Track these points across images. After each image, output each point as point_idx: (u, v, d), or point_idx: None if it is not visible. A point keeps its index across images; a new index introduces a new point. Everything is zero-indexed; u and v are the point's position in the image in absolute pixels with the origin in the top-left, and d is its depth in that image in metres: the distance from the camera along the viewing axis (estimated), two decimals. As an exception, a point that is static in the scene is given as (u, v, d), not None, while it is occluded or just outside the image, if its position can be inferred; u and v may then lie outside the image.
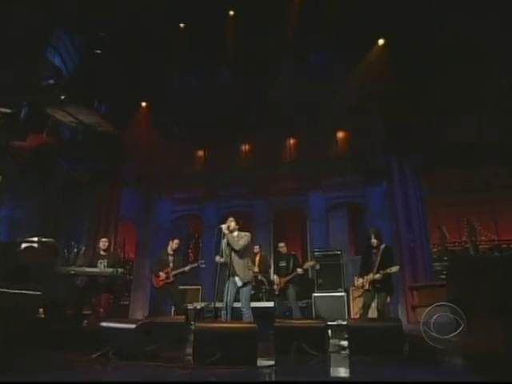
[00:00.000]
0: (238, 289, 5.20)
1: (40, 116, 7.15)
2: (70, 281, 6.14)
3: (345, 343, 4.77)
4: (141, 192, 10.75)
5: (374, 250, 5.87)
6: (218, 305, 5.40)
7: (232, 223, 5.34)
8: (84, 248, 7.25)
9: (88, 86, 7.79)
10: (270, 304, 7.48)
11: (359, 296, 5.85)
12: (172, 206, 11.66)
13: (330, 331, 5.23)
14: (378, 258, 5.69)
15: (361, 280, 5.80)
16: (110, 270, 5.99)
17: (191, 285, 8.85)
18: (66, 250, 7.13)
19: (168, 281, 6.92)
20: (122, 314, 8.36)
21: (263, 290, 8.16)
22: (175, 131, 10.65)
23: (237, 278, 5.19)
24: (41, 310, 6.04)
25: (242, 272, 5.17)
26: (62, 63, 7.35)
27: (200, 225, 11.47)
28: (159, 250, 7.52)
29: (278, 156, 10.78)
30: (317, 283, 8.38)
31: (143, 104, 9.59)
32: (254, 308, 7.82)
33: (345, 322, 7.92)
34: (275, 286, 7.14)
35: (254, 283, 5.40)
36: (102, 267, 6.27)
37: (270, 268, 8.29)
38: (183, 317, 5.59)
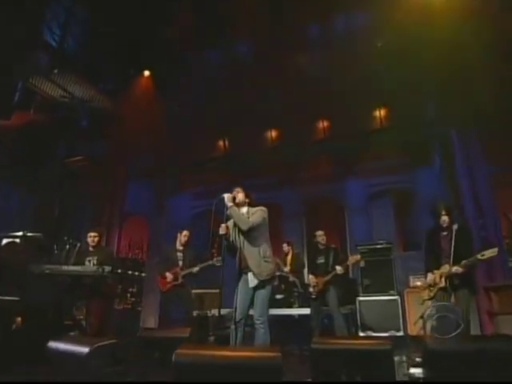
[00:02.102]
0: (253, 291, 3.57)
1: (25, 90, 6.06)
2: (53, 282, 4.91)
3: (418, 372, 3.20)
4: (152, 185, 9.55)
5: (444, 233, 4.27)
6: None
7: (239, 194, 3.82)
8: (79, 245, 6.03)
9: (81, 55, 6.67)
10: (305, 311, 6.00)
11: (430, 298, 4.22)
12: (190, 200, 10.43)
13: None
14: (452, 243, 4.10)
15: (430, 275, 4.21)
16: (94, 268, 4.71)
17: (209, 288, 7.49)
18: (55, 246, 5.95)
19: (176, 283, 5.68)
20: (130, 324, 7.08)
21: (296, 294, 6.72)
22: (188, 113, 9.34)
23: (250, 275, 3.55)
24: (19, 319, 5.00)
25: (257, 265, 3.53)
26: (45, 27, 6.26)
27: (223, 221, 10.15)
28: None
29: (309, 139, 9.35)
30: (362, 284, 6.83)
31: (146, 73, 7.89)
32: (284, 316, 6.50)
33: (400, 333, 6.41)
34: (311, 289, 5.63)
35: (276, 282, 3.76)
36: (90, 265, 5.04)
37: (303, 268, 6.88)
38: (188, 329, 4.19)
